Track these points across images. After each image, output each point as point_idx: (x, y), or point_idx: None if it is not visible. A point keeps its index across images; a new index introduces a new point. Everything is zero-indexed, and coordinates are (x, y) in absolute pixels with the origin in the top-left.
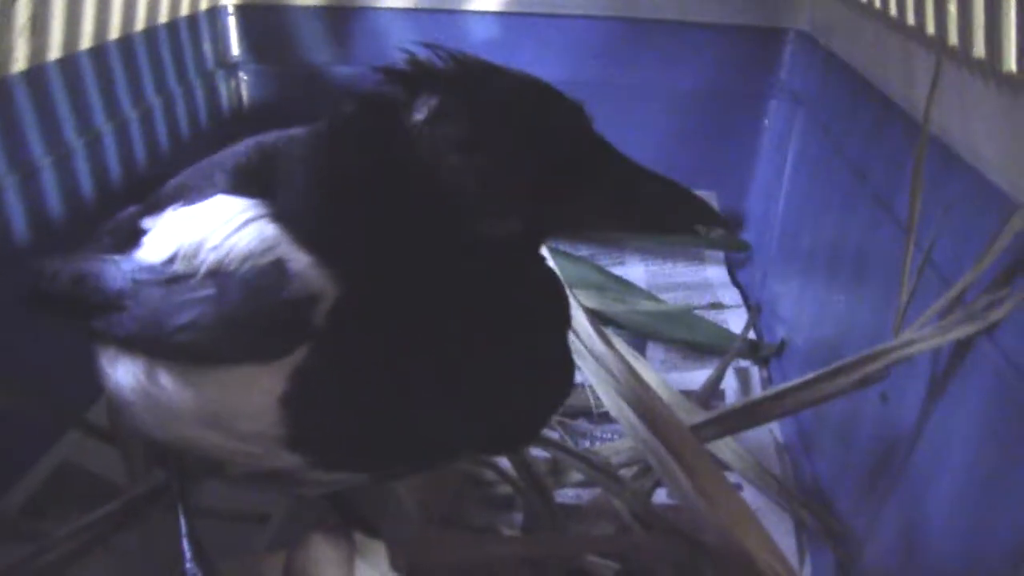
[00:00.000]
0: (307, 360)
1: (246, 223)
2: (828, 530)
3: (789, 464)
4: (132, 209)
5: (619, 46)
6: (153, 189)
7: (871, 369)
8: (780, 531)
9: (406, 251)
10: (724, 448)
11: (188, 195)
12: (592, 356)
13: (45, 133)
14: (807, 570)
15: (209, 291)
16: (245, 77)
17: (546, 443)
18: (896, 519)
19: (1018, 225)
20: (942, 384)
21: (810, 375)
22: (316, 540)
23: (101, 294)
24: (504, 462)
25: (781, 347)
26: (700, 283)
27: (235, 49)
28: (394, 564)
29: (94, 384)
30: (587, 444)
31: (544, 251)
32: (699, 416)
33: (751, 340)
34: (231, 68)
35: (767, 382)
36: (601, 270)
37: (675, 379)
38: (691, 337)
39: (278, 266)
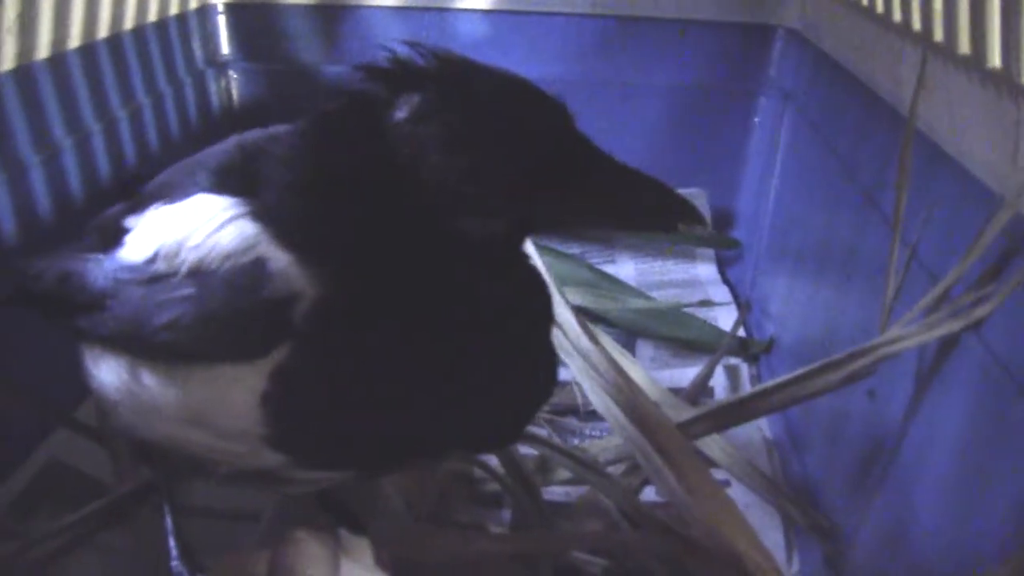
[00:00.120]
0: (288, 359)
1: (227, 222)
2: (816, 526)
3: (778, 461)
4: (117, 207)
5: (609, 43)
6: (141, 187)
7: (858, 366)
8: (769, 527)
9: (387, 250)
10: (712, 445)
11: (170, 194)
12: (579, 354)
13: (33, 132)
14: (795, 566)
15: (190, 290)
16: (235, 76)
17: (534, 440)
18: (883, 514)
19: (1003, 221)
20: (929, 380)
21: (798, 372)
22: (302, 537)
23: (85, 293)
24: (492, 460)
25: (770, 344)
26: (690, 281)
27: (225, 48)
28: (379, 561)
29: (82, 383)
30: (576, 441)
31: (530, 248)
32: (687, 413)
33: (741, 337)
34: (221, 67)
35: (756, 379)
36: (591, 268)
37: (665, 376)
38: (681, 335)
39: (258, 265)
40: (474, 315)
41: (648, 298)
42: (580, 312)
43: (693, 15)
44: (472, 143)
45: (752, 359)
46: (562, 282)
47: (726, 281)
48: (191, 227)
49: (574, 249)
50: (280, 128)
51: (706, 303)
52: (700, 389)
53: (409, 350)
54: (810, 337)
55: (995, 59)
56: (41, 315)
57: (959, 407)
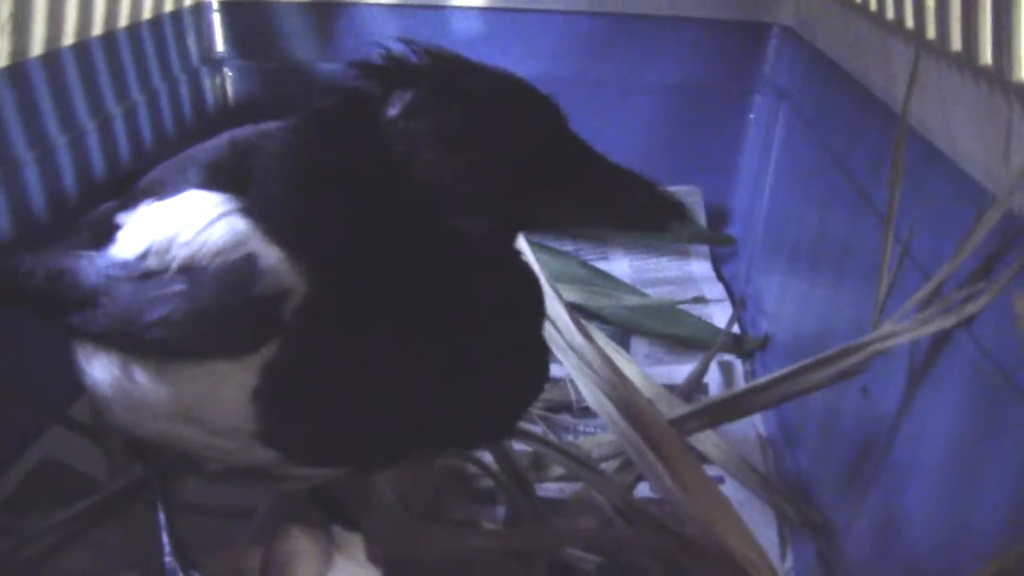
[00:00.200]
0: (278, 355)
1: (218, 218)
2: (810, 522)
3: (771, 458)
4: (109, 204)
5: (604, 41)
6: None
7: (851, 362)
8: (762, 523)
9: (378, 246)
10: (706, 442)
11: (161, 190)
12: (573, 350)
13: (28, 130)
14: (789, 562)
15: (181, 287)
16: (230, 73)
17: (528, 437)
18: (876, 510)
19: (994, 218)
20: (921, 377)
21: (791, 368)
22: (294, 533)
23: (77, 290)
24: (486, 456)
25: (764, 341)
26: (684, 277)
27: (220, 45)
28: (372, 556)
29: (76, 380)
30: (570, 438)
31: (524, 245)
32: (681, 409)
33: (735, 334)
34: (216, 64)
35: (751, 376)
36: (585, 265)
37: (659, 373)
38: (675, 331)
39: (249, 261)
40: (465, 311)
41: (642, 295)
42: (574, 309)
43: (688, 13)
44: (465, 140)
45: (746, 356)
46: (556, 279)
47: (720, 278)
48: (182, 224)
49: (568, 246)
50: (272, 124)
51: (700, 300)
52: (694, 386)
53: (399, 346)
54: (804, 334)
55: (987, 56)
56: (33, 313)
57: (951, 403)
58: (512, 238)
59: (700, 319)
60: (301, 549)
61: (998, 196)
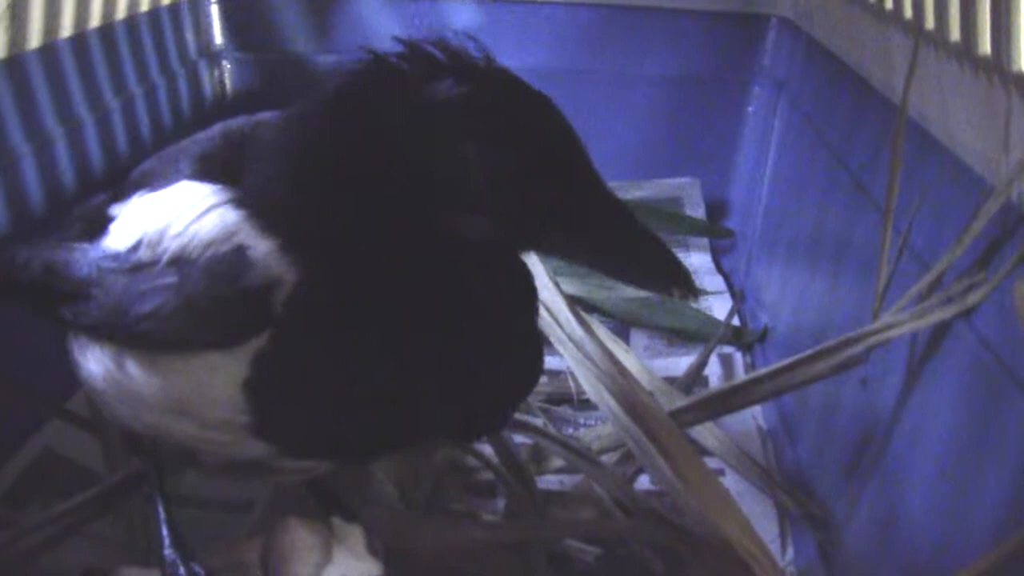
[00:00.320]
0: (269, 346)
1: (208, 209)
2: (809, 514)
3: (772, 450)
4: (102, 195)
5: (602, 33)
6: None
7: (851, 353)
8: (762, 516)
9: (372, 237)
10: (707, 434)
11: (154, 181)
12: (573, 342)
13: (25, 122)
14: (789, 554)
15: (171, 279)
16: (228, 66)
17: (528, 429)
18: (876, 502)
19: (993, 208)
20: (920, 368)
21: (790, 360)
22: (293, 525)
23: (69, 283)
24: (486, 448)
25: (764, 333)
26: None
27: (218, 38)
28: (370, 548)
29: (74, 373)
30: (570, 430)
31: None
32: (681, 401)
33: (735, 326)
34: (214, 57)
35: (750, 368)
36: None
37: (659, 366)
38: (675, 324)
39: (238, 253)
40: (459, 302)
41: None
42: (574, 301)
43: (687, 5)
44: (509, 146)
45: (746, 348)
46: (556, 271)
47: (720, 270)
48: (173, 215)
49: None
50: (266, 114)
51: (700, 292)
52: (694, 378)
53: (391, 338)
54: (804, 326)
55: (985, 46)
56: (28, 305)
57: (950, 394)
58: (508, 250)
59: (700, 312)
60: (300, 541)
61: (997, 186)
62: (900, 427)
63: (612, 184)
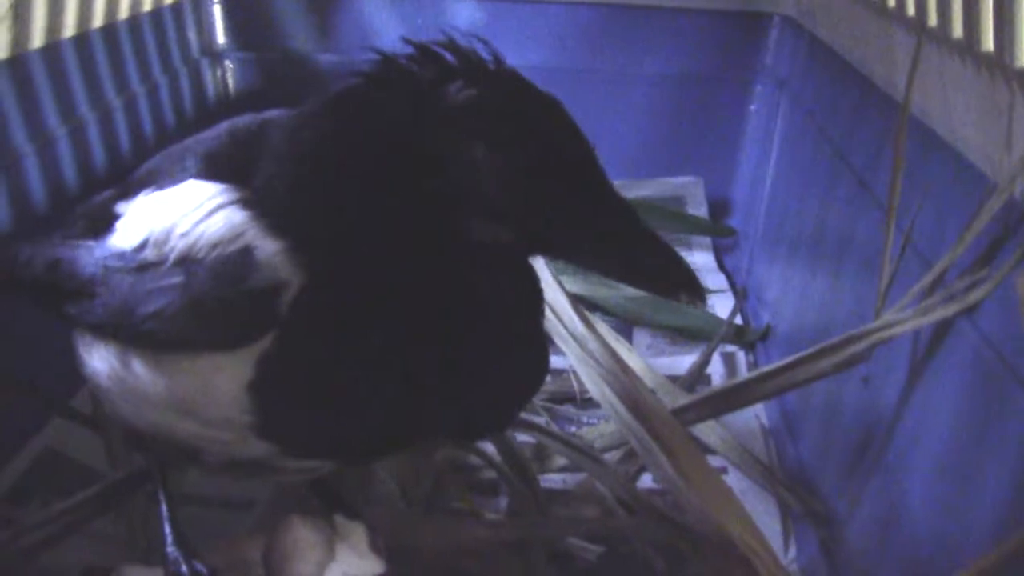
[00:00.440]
0: (274, 347)
1: (216, 209)
2: (812, 512)
3: (774, 448)
4: (107, 193)
5: (604, 32)
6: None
7: (853, 351)
8: (765, 514)
9: (379, 238)
10: (709, 432)
11: (160, 180)
12: (576, 341)
13: (28, 122)
14: (791, 552)
15: (178, 279)
16: (230, 65)
17: (531, 428)
18: (877, 500)
19: (996, 205)
20: (922, 365)
21: (792, 358)
22: (296, 523)
23: (74, 280)
24: (489, 447)
25: (767, 332)
26: None
27: (220, 37)
28: (373, 546)
29: (78, 371)
30: (573, 429)
31: None
32: (683, 400)
33: (737, 325)
34: (216, 56)
35: (753, 366)
36: None
37: (662, 364)
38: (677, 322)
39: (245, 253)
40: (463, 304)
41: None
42: (577, 300)
43: (689, 3)
44: (520, 150)
45: (749, 346)
46: (559, 270)
47: (722, 269)
48: (180, 214)
49: None
50: (273, 112)
51: (706, 296)
52: (697, 376)
53: (396, 340)
54: (806, 324)
55: (988, 43)
56: (32, 302)
57: (952, 392)
58: (517, 257)
59: (702, 310)
60: (303, 539)
61: (1000, 183)
62: (902, 425)
63: (615, 183)
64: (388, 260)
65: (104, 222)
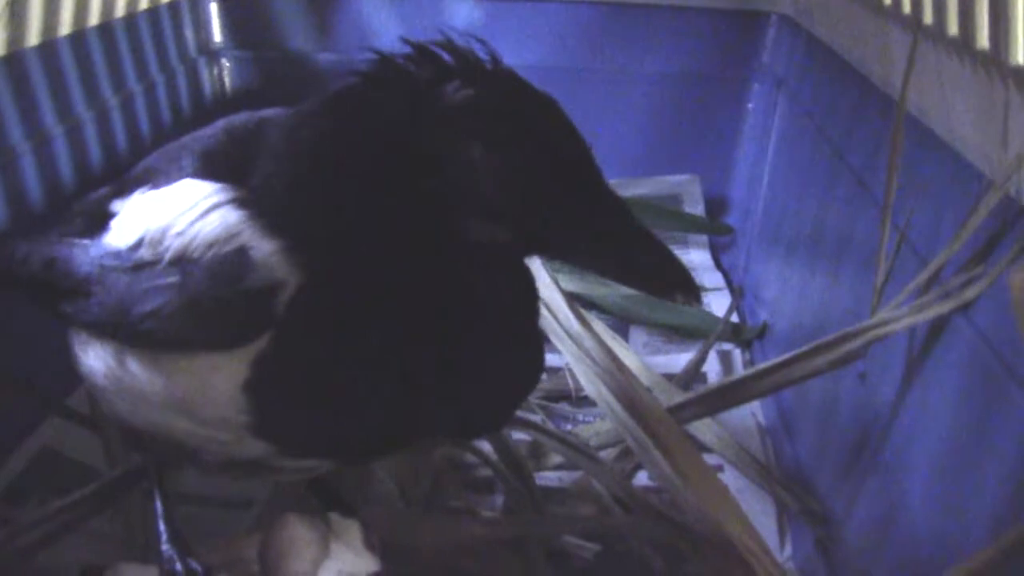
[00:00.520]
0: (270, 347)
1: (212, 208)
2: (808, 510)
3: (771, 446)
4: (103, 190)
5: (602, 31)
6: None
7: (849, 348)
8: (761, 512)
9: (379, 240)
10: (705, 430)
11: (156, 178)
12: (571, 339)
13: (24, 120)
14: (787, 550)
15: (173, 278)
16: (227, 64)
17: (527, 426)
18: (874, 498)
19: (992, 202)
20: (919, 363)
21: (788, 355)
22: (291, 521)
23: (70, 279)
24: (485, 445)
25: (763, 330)
26: None
27: (217, 36)
28: (368, 543)
29: (75, 370)
30: (569, 427)
31: None
32: (679, 398)
33: (734, 323)
34: (213, 55)
35: (749, 365)
36: None
37: (658, 362)
38: (674, 321)
39: (241, 253)
40: (460, 304)
41: None
42: (573, 298)
43: (686, 2)
44: (517, 149)
45: (745, 345)
46: (555, 269)
47: (719, 267)
48: (175, 213)
49: None
50: (270, 110)
51: (702, 296)
52: (693, 374)
53: (392, 340)
54: (803, 322)
55: (984, 41)
56: (29, 300)
57: (948, 389)
58: (516, 256)
59: (699, 308)
60: (298, 537)
61: (996, 181)
62: (899, 422)
63: (612, 181)
64: (385, 260)
65: (100, 220)
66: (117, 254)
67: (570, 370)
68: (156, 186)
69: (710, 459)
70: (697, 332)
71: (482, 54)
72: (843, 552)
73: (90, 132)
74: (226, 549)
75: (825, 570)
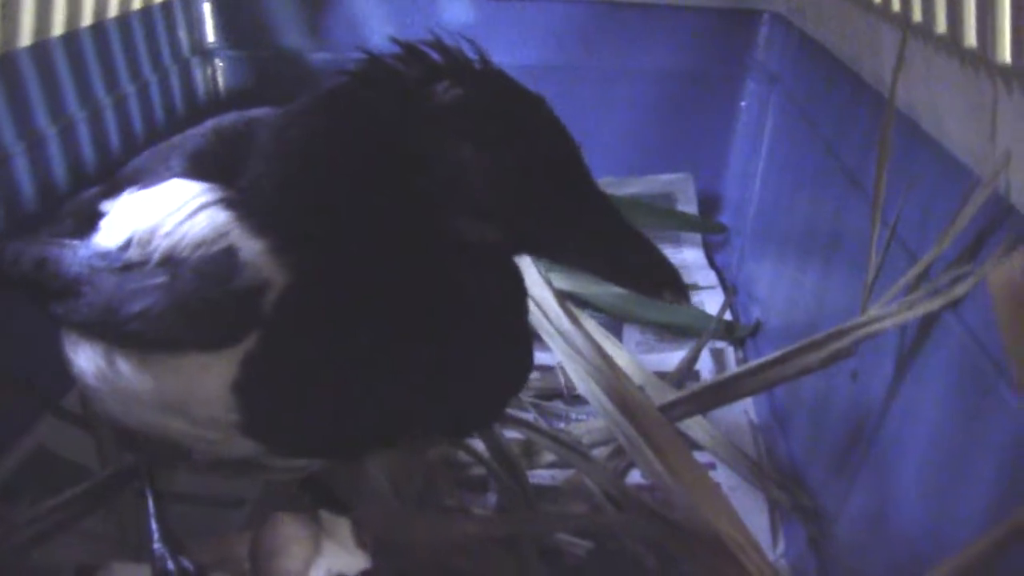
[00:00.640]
0: (258, 347)
1: (199, 209)
2: (800, 508)
3: (763, 444)
4: (93, 190)
5: (595, 29)
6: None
7: (839, 345)
8: (753, 510)
9: (368, 239)
10: (697, 428)
11: (145, 178)
12: (563, 337)
13: (16, 120)
14: (780, 547)
15: (161, 279)
16: (221, 64)
17: (519, 424)
18: (865, 494)
19: (981, 199)
20: (909, 360)
21: (779, 353)
22: (281, 519)
23: (60, 280)
24: (478, 444)
25: (756, 328)
26: (676, 265)
27: (210, 35)
28: (359, 541)
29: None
30: (561, 425)
31: None
32: (671, 396)
33: (727, 321)
34: (206, 55)
35: (743, 363)
36: None
37: (651, 360)
38: (667, 319)
39: (229, 254)
40: (448, 302)
41: None
42: (566, 297)
43: (679, 0)
44: (506, 148)
45: (738, 343)
46: (547, 267)
47: (712, 265)
48: (164, 214)
49: None
50: (259, 110)
51: (692, 287)
52: (686, 373)
53: (380, 340)
54: (795, 320)
55: (971, 38)
56: (25, 299)
57: (938, 386)
58: (506, 256)
59: (692, 307)
60: (289, 535)
61: (984, 178)
62: (890, 419)
63: (605, 180)
64: (374, 259)
65: (89, 220)
66: (106, 254)
67: (562, 368)
68: (145, 186)
69: (702, 457)
70: (690, 330)
71: (471, 54)
72: (835, 548)
73: (83, 132)
74: (218, 548)
75: (817, 567)
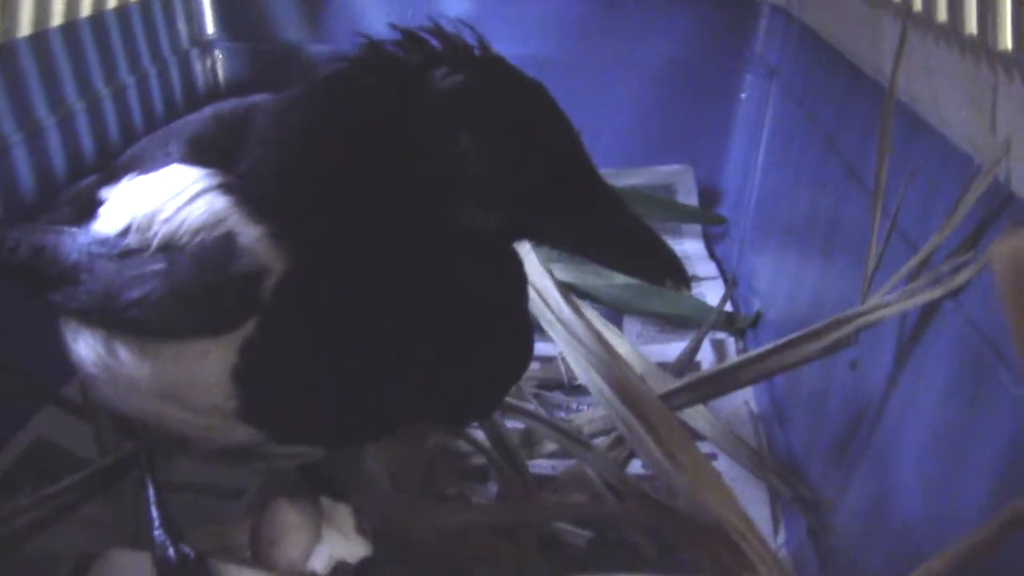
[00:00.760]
0: (256, 333)
1: (199, 194)
2: (801, 498)
3: (763, 434)
4: (92, 178)
5: (594, 20)
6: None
7: (840, 334)
8: (754, 500)
9: (367, 226)
10: (698, 418)
11: (144, 164)
12: (564, 327)
13: (16, 110)
14: (780, 537)
15: (160, 265)
16: (220, 55)
17: (520, 414)
18: (866, 484)
19: (981, 188)
20: (909, 349)
21: (779, 341)
22: (282, 506)
23: (58, 267)
24: (478, 433)
25: (757, 319)
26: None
27: (210, 27)
28: (359, 528)
29: (69, 360)
30: (562, 415)
31: None
32: (671, 385)
33: (727, 312)
34: (206, 46)
35: (743, 353)
36: None
37: (652, 351)
38: (668, 310)
39: (227, 239)
40: (447, 290)
41: None
42: (567, 288)
43: None
44: (506, 135)
45: (739, 334)
46: (549, 258)
47: (713, 257)
48: (162, 200)
49: None
50: (258, 96)
51: (693, 278)
52: (686, 363)
53: (379, 326)
54: (796, 311)
55: (971, 26)
56: (22, 288)
57: (939, 375)
58: (509, 243)
59: (692, 297)
60: (289, 522)
61: (984, 166)
62: (890, 409)
63: (605, 171)
64: (373, 245)
65: (88, 207)
66: (104, 241)
67: (563, 358)
68: (144, 172)
69: (703, 447)
70: (691, 321)
71: (471, 41)
72: (835, 538)
73: (82, 123)
74: (218, 536)
75: (817, 556)
